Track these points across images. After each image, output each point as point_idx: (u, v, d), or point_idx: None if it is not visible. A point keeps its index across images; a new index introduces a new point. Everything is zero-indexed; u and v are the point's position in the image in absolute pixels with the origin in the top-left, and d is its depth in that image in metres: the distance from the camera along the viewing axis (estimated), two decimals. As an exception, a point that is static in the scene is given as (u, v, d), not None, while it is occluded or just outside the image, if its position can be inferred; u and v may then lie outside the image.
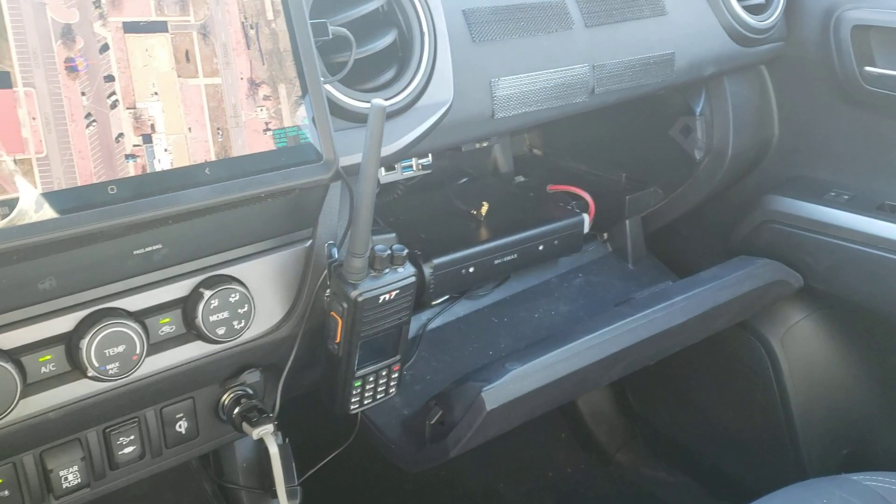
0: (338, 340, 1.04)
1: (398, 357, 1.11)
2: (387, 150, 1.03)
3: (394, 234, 1.27)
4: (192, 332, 0.97)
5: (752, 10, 1.51)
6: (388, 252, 1.01)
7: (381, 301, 1.01)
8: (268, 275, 1.03)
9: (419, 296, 1.37)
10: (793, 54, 1.61)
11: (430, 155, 1.41)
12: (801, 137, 1.67)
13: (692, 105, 1.61)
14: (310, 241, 1.05)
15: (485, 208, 1.51)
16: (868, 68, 1.50)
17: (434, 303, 1.48)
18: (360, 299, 0.99)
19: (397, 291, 1.02)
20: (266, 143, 0.90)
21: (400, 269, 1.03)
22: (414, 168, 1.40)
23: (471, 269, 1.41)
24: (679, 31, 1.41)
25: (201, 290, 0.96)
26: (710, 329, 1.53)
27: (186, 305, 0.96)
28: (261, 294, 1.02)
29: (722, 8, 1.46)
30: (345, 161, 0.95)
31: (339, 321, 1.02)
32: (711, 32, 1.46)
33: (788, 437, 1.76)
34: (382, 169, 1.38)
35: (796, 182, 1.66)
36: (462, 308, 1.51)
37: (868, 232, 1.51)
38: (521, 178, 1.75)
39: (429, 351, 1.41)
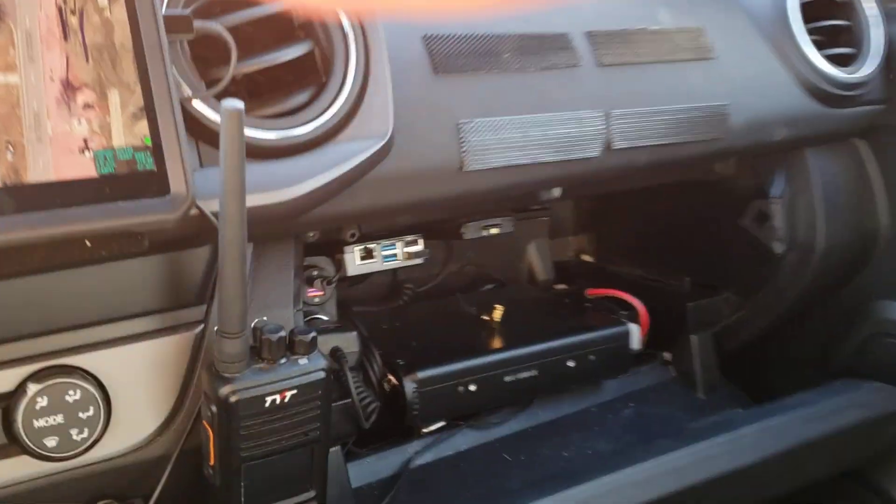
0: (212, 462, 0.73)
1: (312, 493, 0.79)
2: (287, 194, 0.74)
3: (354, 333, 0.98)
4: (15, 443, 0.72)
5: (837, 60, 1.19)
6: (282, 334, 0.72)
7: (268, 404, 0.71)
8: (138, 369, 0.77)
9: (401, 419, 1.06)
10: None
11: (420, 241, 1.13)
12: None
13: (766, 186, 1.27)
14: (201, 326, 0.78)
15: (498, 312, 1.21)
16: None
17: (425, 430, 1.15)
18: (231, 399, 0.70)
19: (295, 391, 0.72)
20: (83, 168, 0.64)
21: (303, 360, 0.73)
22: (399, 256, 1.12)
23: (471, 387, 1.09)
24: (735, 80, 1.10)
25: (28, 383, 0.71)
26: (798, 476, 1.14)
27: (9, 405, 0.71)
28: (125, 395, 0.76)
29: (792, 53, 1.13)
30: (216, 205, 0.68)
31: (211, 433, 0.72)
32: (779, 83, 1.13)
33: None
34: (357, 256, 1.10)
35: (915, 285, 1.30)
36: (464, 440, 1.16)
37: None
38: (561, 287, 1.44)
39: (410, 496, 1.07)
